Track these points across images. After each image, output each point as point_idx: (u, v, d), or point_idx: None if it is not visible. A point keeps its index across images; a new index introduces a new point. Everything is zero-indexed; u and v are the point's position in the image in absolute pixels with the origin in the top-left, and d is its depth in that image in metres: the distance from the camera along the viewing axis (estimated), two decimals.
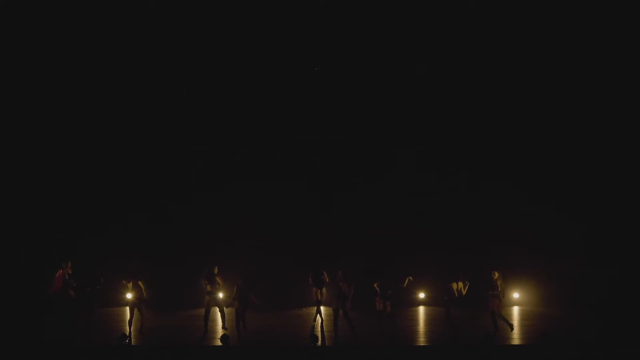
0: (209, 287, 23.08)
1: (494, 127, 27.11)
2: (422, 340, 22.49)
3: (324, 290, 23.73)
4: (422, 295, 26.31)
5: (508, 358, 20.23)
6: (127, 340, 20.78)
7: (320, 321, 23.57)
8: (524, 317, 24.98)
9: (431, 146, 27.38)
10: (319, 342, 21.26)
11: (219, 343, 20.73)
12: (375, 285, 22.71)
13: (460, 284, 22.40)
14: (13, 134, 27.10)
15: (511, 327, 22.31)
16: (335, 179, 27.54)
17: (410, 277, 22.53)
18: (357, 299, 23.52)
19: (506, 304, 25.92)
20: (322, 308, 24.15)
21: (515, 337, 22.72)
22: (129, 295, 25.92)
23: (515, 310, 25.58)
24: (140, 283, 22.77)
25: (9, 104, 26.90)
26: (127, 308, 23.00)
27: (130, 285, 22.80)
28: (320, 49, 27.16)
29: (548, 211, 26.66)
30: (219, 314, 23.78)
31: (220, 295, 23.17)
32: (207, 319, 23.01)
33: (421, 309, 25.88)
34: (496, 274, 22.28)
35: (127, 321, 22.93)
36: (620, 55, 26.23)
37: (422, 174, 27.17)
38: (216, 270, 23.21)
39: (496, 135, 27.15)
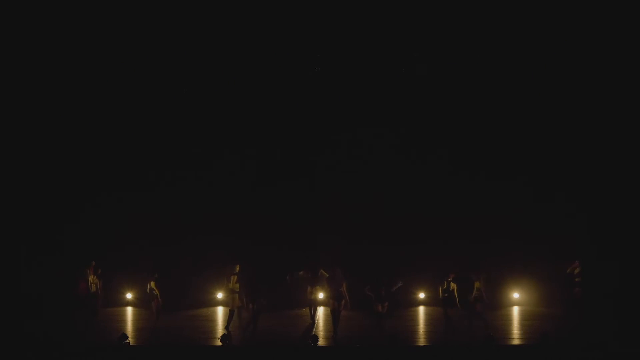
0: (230, 286, 23.20)
1: (497, 122, 27.05)
2: (422, 340, 22.50)
3: (318, 288, 23.77)
4: (422, 295, 26.30)
5: (508, 358, 20.23)
6: (127, 341, 20.79)
7: (317, 320, 23.68)
8: (524, 317, 24.99)
9: (432, 140, 27.35)
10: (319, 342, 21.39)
11: (219, 343, 20.74)
12: (367, 289, 22.86)
13: (454, 286, 22.82)
14: (13, 133, 27.08)
15: (452, 330, 22.68)
16: (334, 171, 27.50)
17: (400, 283, 22.83)
18: (356, 299, 23.64)
19: (506, 304, 26.01)
20: (320, 308, 24.26)
21: (515, 337, 22.76)
22: (129, 295, 26.04)
23: (515, 310, 25.59)
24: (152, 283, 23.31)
25: (10, 105, 26.86)
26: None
27: (152, 284, 23.27)
28: (320, 49, 27.14)
29: (549, 211, 26.66)
30: (220, 314, 23.86)
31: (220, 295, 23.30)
32: (232, 318, 23.07)
33: (421, 309, 25.89)
34: (481, 276, 22.84)
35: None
36: (619, 51, 26.19)
37: (423, 170, 27.18)
38: (237, 269, 23.26)
39: (500, 131, 27.10)
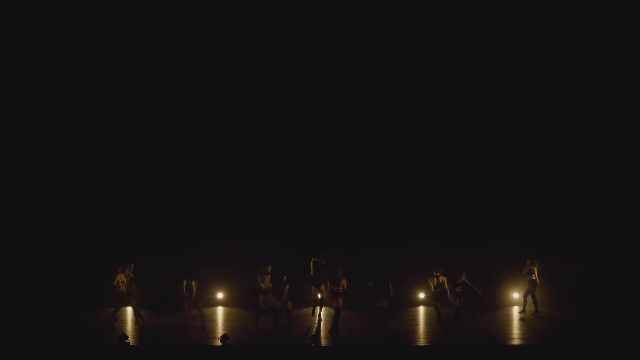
0: (263, 286, 23.30)
1: (498, 122, 27.03)
2: (422, 340, 22.51)
3: (322, 287, 23.81)
4: (422, 295, 26.30)
5: (508, 358, 20.24)
6: (127, 341, 20.79)
7: (318, 320, 23.70)
8: (524, 317, 24.96)
9: (433, 141, 27.34)
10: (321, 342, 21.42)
11: (219, 343, 20.74)
12: (371, 284, 23.04)
13: (443, 279, 23.19)
14: (13, 131, 27.04)
15: (442, 326, 23.12)
16: (331, 170, 27.48)
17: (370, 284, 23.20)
18: (355, 298, 23.65)
19: (506, 304, 26.00)
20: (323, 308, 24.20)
21: (515, 337, 22.77)
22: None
23: (516, 310, 25.57)
24: (193, 282, 23.40)
25: (11, 104, 26.84)
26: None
27: (185, 283, 23.42)
28: (319, 49, 27.11)
29: (549, 211, 26.64)
30: (220, 314, 23.83)
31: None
32: (258, 319, 23.29)
33: (421, 309, 25.86)
34: (463, 274, 23.29)
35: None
36: (620, 49, 26.15)
37: (424, 170, 27.18)
38: (270, 269, 23.38)
39: (501, 131, 27.07)
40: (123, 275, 24.01)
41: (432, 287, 23.24)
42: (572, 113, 26.80)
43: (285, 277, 23.26)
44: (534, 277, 24.54)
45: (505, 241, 26.20)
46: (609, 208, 26.67)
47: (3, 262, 26.80)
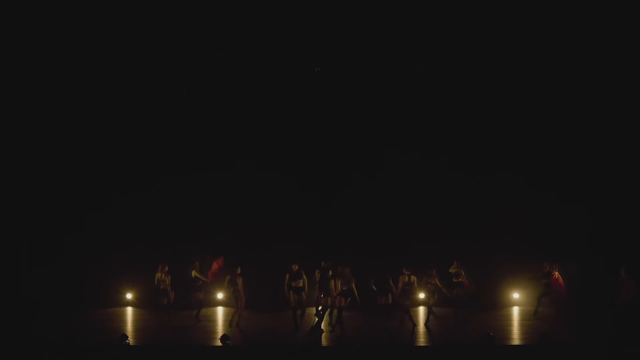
0: (293, 284, 23.43)
1: (500, 122, 27.03)
2: (422, 340, 22.52)
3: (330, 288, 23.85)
4: (422, 295, 26.31)
5: (508, 358, 20.26)
6: (127, 341, 20.81)
7: (319, 320, 23.72)
8: (524, 317, 25.00)
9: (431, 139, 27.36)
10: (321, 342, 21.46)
11: (219, 343, 20.75)
12: (372, 283, 23.13)
13: (414, 278, 23.51)
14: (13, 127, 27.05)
15: (414, 325, 23.44)
16: (330, 175, 27.51)
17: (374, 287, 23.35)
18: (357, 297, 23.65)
19: (506, 304, 26.02)
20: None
21: (515, 337, 22.78)
22: (129, 295, 26.00)
23: (515, 311, 25.61)
24: (239, 279, 23.35)
25: (11, 103, 26.85)
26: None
27: (227, 279, 23.44)
28: (319, 49, 27.09)
29: (549, 210, 26.67)
30: (220, 314, 23.85)
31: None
32: (296, 317, 23.38)
33: (421, 309, 25.87)
34: (434, 271, 23.82)
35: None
36: (621, 46, 26.15)
37: (422, 169, 27.23)
38: (296, 268, 23.43)
39: (499, 129, 27.07)
40: (163, 274, 23.90)
41: (401, 284, 23.37)
42: (569, 111, 26.79)
43: (330, 273, 23.32)
44: (461, 280, 24.62)
45: (507, 241, 26.22)
46: (612, 207, 26.66)
47: (3, 262, 26.74)
